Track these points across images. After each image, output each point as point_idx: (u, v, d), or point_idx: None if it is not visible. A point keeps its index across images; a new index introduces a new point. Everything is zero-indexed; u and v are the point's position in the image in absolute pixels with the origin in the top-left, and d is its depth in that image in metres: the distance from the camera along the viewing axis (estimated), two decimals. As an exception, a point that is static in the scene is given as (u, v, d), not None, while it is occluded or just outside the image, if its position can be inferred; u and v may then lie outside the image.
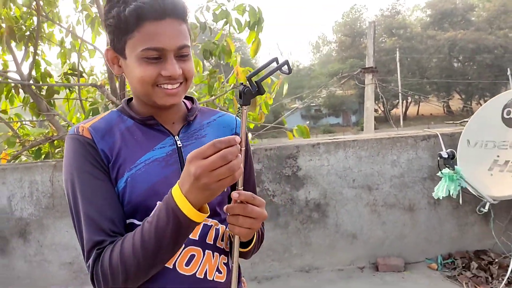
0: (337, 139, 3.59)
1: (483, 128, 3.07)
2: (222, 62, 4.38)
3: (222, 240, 1.08)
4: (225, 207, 0.93)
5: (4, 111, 4.44)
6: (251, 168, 1.19)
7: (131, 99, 1.11)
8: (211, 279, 1.04)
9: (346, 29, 44.43)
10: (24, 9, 3.95)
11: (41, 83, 4.07)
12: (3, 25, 3.60)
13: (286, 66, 0.89)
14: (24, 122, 4.45)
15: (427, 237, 3.50)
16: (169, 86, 0.97)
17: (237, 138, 0.81)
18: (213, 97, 4.42)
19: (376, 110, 39.58)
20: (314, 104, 42.25)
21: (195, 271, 1.01)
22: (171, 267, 0.99)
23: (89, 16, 4.19)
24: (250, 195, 0.89)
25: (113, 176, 0.98)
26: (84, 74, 4.76)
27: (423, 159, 3.42)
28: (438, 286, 3.15)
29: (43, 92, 4.24)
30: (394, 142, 3.46)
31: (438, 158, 3.04)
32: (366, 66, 10.75)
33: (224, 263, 1.09)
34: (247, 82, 0.88)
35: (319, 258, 3.55)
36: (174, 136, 1.06)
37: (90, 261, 0.91)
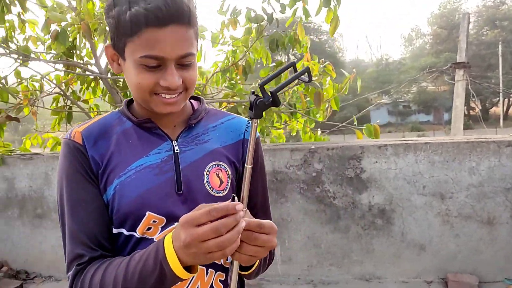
0: (407, 141, 3.29)
1: None
2: (290, 52, 4.26)
3: None
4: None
5: (86, 101, 4.72)
6: (262, 183, 1.10)
7: (132, 100, 1.06)
8: None
9: (442, 21, 41.69)
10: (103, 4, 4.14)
11: (117, 76, 4.25)
12: (83, 21, 3.79)
13: (306, 74, 0.80)
14: (101, 112, 4.70)
15: (507, 254, 3.09)
16: (167, 96, 0.90)
17: (239, 206, 0.74)
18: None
19: (473, 109, 36.73)
20: (402, 100, 40.31)
21: (184, 287, 0.95)
22: None
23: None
24: (256, 224, 0.79)
25: (102, 183, 0.93)
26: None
27: (507, 167, 3.02)
28: None
29: (120, 84, 4.44)
30: (473, 147, 3.09)
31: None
32: (458, 61, 9.92)
33: (220, 280, 1.00)
34: (260, 91, 0.79)
35: (382, 267, 3.30)
36: (172, 141, 0.99)
37: (70, 274, 0.90)
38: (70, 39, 3.79)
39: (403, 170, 3.19)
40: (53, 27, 3.67)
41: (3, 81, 3.82)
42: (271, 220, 0.94)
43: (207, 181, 0.97)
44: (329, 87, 3.71)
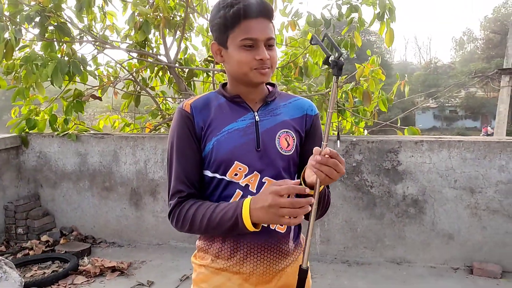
0: (442, 138, 3.59)
1: None
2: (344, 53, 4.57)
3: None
4: (316, 158, 1.10)
5: (153, 88, 5.24)
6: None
7: (225, 84, 1.39)
8: (273, 228, 1.30)
9: (495, 26, 40.20)
10: (177, 0, 4.61)
11: (184, 66, 4.73)
12: (161, 14, 4.28)
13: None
14: (166, 98, 5.22)
15: (531, 248, 3.34)
16: (262, 69, 1.23)
17: (310, 198, 1.08)
18: (328, 89, 4.66)
19: (524, 116, 35.32)
20: (449, 105, 39.29)
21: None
22: None
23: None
24: (336, 153, 1.11)
25: (204, 139, 1.28)
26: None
27: (535, 167, 3.26)
28: None
29: (184, 75, 4.92)
30: (504, 146, 3.35)
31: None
32: (504, 67, 9.85)
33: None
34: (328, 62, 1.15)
35: (412, 253, 3.62)
36: (254, 112, 1.31)
37: (172, 203, 1.28)
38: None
39: (437, 165, 3.49)
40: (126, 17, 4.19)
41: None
42: None
43: (278, 143, 1.30)
44: (376, 85, 4.03)
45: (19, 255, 4.06)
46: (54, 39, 4.01)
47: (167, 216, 1.30)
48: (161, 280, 3.49)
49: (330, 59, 1.14)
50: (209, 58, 5.09)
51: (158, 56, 4.90)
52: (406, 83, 4.68)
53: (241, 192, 1.26)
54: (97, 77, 4.53)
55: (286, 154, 1.31)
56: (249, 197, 1.17)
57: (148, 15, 4.07)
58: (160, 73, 4.96)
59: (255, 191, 1.26)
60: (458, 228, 3.49)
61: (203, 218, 1.20)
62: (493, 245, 3.42)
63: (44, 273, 3.71)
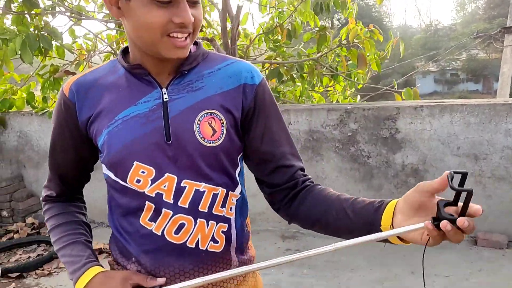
0: (443, 102, 3.34)
1: None
2: (337, 16, 4.29)
3: (222, 206, 0.98)
4: (443, 226, 0.72)
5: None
6: (284, 131, 1.03)
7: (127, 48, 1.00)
8: (204, 248, 0.96)
9: (498, -16, 39.13)
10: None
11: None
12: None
13: None
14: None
15: (539, 217, 3.15)
16: (179, 36, 0.86)
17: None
18: (319, 54, 4.39)
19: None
20: (450, 68, 38.69)
21: (185, 240, 0.95)
22: (159, 234, 0.95)
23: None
24: (473, 225, 0.73)
25: (94, 131, 0.95)
26: (203, 28, 5.07)
27: (544, 130, 3.03)
28: None
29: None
30: (510, 109, 3.10)
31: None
32: (508, 26, 9.48)
33: (222, 231, 0.99)
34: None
35: (412, 225, 3.43)
36: (162, 89, 0.93)
37: (43, 194, 1.11)
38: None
39: (438, 131, 3.26)
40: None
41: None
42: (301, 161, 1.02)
43: (198, 131, 0.92)
44: (371, 48, 3.77)
45: (4, 239, 3.91)
46: (25, 12, 3.72)
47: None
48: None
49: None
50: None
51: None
52: (401, 41, 4.39)
53: (153, 205, 0.93)
54: (75, 51, 4.26)
55: (210, 145, 0.93)
56: (95, 269, 0.95)
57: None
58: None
59: (171, 202, 0.93)
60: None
61: (55, 243, 1.03)
62: (499, 214, 3.23)
63: (29, 257, 3.58)
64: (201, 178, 0.93)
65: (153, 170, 0.92)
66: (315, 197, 0.96)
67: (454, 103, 3.27)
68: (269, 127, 0.99)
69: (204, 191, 0.94)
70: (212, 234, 0.96)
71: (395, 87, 4.49)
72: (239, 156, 1.01)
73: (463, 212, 0.73)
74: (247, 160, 1.04)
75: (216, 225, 0.97)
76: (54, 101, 4.40)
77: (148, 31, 0.84)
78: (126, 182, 0.93)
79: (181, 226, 0.94)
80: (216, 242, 0.97)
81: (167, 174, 0.92)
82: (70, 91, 0.95)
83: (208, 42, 4.12)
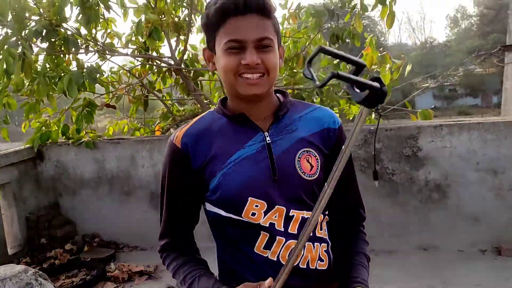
0: (461, 121, 3.58)
1: None
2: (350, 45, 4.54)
3: (320, 229, 1.14)
4: None
5: (159, 91, 5.22)
6: (351, 174, 1.20)
7: (225, 98, 1.17)
8: (314, 267, 1.10)
9: (488, 1, 40.00)
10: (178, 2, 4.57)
11: (190, 67, 4.71)
12: (164, 18, 4.25)
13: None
14: (175, 100, 5.20)
15: (558, 226, 3.35)
16: (249, 76, 1.01)
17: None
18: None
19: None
20: (448, 84, 39.18)
21: (297, 262, 1.07)
22: (275, 259, 1.07)
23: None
24: None
25: (206, 175, 1.08)
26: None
27: (558, 144, 3.26)
28: None
29: (191, 74, 4.90)
30: (525, 126, 3.34)
31: None
32: (507, 44, 9.83)
33: (324, 250, 1.14)
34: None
35: (438, 238, 3.62)
36: (264, 132, 1.08)
37: (161, 243, 1.21)
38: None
39: (458, 148, 3.48)
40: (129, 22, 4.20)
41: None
42: (360, 197, 1.26)
43: (298, 166, 1.07)
44: (386, 75, 4.02)
45: (44, 265, 4.07)
46: (60, 52, 4.00)
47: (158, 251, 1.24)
48: (190, 282, 3.50)
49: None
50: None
51: (163, 59, 4.88)
52: (406, 61, 4.62)
53: (267, 234, 1.06)
54: (106, 85, 4.52)
55: (310, 178, 1.08)
56: None
57: (156, 21, 4.05)
58: (162, 75, 4.91)
59: (282, 229, 1.06)
60: (483, 210, 3.49)
61: (182, 283, 1.13)
62: (520, 225, 3.43)
63: (72, 281, 3.73)
64: (304, 207, 1.09)
65: (265, 203, 1.06)
66: (347, 247, 1.20)
67: (471, 122, 3.51)
68: (350, 172, 1.19)
69: (307, 217, 1.06)
70: (318, 254, 1.11)
71: (409, 107, 4.74)
72: None
73: None
74: None
75: (320, 245, 1.12)
76: (86, 132, 4.64)
77: (226, 73, 1.03)
78: (241, 216, 1.07)
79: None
80: (322, 260, 1.12)
81: (277, 206, 1.06)
82: (182, 142, 1.09)
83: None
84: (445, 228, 3.59)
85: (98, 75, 3.94)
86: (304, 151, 1.08)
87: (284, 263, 1.02)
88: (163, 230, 1.19)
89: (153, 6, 4.29)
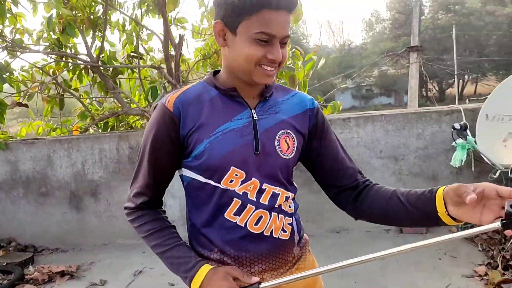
0: (366, 114, 3.93)
1: (501, 104, 3.31)
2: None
3: (287, 204, 1.22)
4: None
5: (76, 89, 5.09)
6: (340, 144, 1.33)
7: (217, 71, 1.23)
8: (277, 236, 1.19)
9: (400, 6, 42.96)
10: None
11: (108, 64, 4.65)
12: (78, 13, 4.17)
13: None
14: (93, 99, 5.10)
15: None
16: (269, 68, 1.08)
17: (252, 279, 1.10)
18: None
19: (431, 90, 38.32)
20: (365, 84, 41.58)
21: (262, 230, 1.17)
22: (243, 225, 1.15)
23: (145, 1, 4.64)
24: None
25: (193, 140, 1.13)
26: (144, 57, 5.33)
27: (446, 133, 3.70)
28: (456, 246, 3.47)
29: (109, 73, 4.84)
30: (419, 116, 3.75)
31: (452, 129, 3.33)
32: (411, 45, 10.77)
33: (288, 223, 1.22)
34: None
35: (349, 221, 3.89)
36: (251, 109, 1.16)
37: (134, 201, 1.21)
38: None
39: (364, 139, 3.83)
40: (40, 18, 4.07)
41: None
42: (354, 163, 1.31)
43: (278, 145, 1.16)
44: (300, 71, 4.27)
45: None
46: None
47: (124, 208, 1.25)
48: (114, 278, 3.50)
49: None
50: (132, 54, 5.04)
51: (79, 56, 4.78)
52: (323, 57, 4.92)
53: (240, 201, 1.14)
54: (17, 83, 4.34)
55: (286, 157, 1.18)
56: (206, 267, 1.12)
57: (69, 16, 3.97)
58: (78, 73, 4.78)
59: (254, 199, 1.15)
60: None
61: (156, 247, 1.18)
62: (417, 205, 3.83)
63: (-14, 287, 3.57)
64: (277, 183, 1.18)
65: (244, 174, 1.13)
66: (375, 195, 1.22)
67: (375, 114, 3.87)
68: (333, 140, 1.29)
69: (279, 194, 1.18)
70: (282, 225, 1.20)
71: (322, 102, 5.06)
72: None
73: None
74: (314, 169, 1.32)
75: (285, 218, 1.20)
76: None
77: (246, 61, 1.07)
78: (220, 184, 1.13)
79: (260, 218, 1.15)
80: (285, 231, 1.21)
81: (253, 178, 1.14)
82: (175, 106, 1.13)
83: (155, 69, 4.41)
84: (355, 212, 3.91)
85: (7, 73, 3.79)
86: (284, 132, 1.17)
87: (250, 229, 1.14)
88: (140, 189, 1.19)
89: (65, 1, 4.20)
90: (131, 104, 4.82)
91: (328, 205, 3.92)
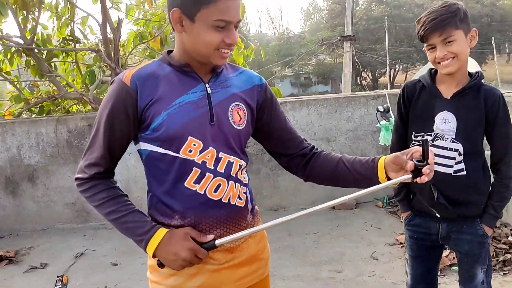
0: (301, 98, 4.18)
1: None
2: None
3: (241, 174, 1.30)
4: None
5: (8, 73, 4.90)
6: (284, 115, 1.44)
7: (170, 51, 1.30)
8: (234, 203, 1.27)
9: (336, -4, 44.18)
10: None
11: (42, 47, 4.52)
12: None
13: None
14: (19, 82, 4.92)
15: (375, 181, 4.15)
16: (225, 51, 1.18)
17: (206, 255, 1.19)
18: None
19: (365, 79, 40.01)
20: (303, 72, 42.54)
21: (221, 196, 1.24)
22: (202, 193, 1.22)
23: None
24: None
25: (151, 114, 1.18)
26: (83, 40, 5.23)
27: (373, 115, 4.02)
28: (381, 219, 3.82)
29: (44, 56, 4.71)
30: (349, 100, 4.05)
31: (376, 111, 3.66)
32: (345, 35, 11.28)
33: (243, 192, 1.31)
34: None
35: (286, 199, 4.19)
36: (205, 83, 1.24)
37: (87, 172, 1.24)
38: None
39: (299, 121, 4.06)
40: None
41: None
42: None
43: (230, 117, 1.24)
44: (240, 57, 4.42)
45: None
46: None
47: (75, 179, 1.27)
48: (54, 261, 3.50)
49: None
50: (67, 37, 4.93)
51: (11, 38, 4.61)
52: (261, 48, 5.10)
53: (199, 170, 1.21)
54: None
55: (238, 128, 1.26)
56: (162, 230, 1.18)
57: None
58: (9, 56, 4.60)
59: (212, 168, 1.22)
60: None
61: (111, 213, 1.22)
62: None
63: None
64: (231, 152, 1.26)
65: (201, 143, 1.20)
66: (323, 160, 1.39)
67: (309, 98, 4.13)
68: (281, 112, 1.41)
69: (233, 162, 1.26)
70: (238, 193, 1.28)
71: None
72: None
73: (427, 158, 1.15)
74: (265, 140, 1.42)
75: (240, 186, 1.29)
76: None
77: (205, 47, 1.16)
78: (179, 153, 1.19)
79: (218, 186, 1.23)
80: (241, 199, 1.29)
81: (210, 147, 1.21)
82: (132, 81, 1.18)
83: (94, 52, 4.36)
84: (291, 190, 4.17)
85: None
86: (236, 104, 1.26)
87: (210, 196, 1.22)
88: (95, 159, 1.22)
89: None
90: (68, 88, 4.74)
91: (267, 184, 4.17)
